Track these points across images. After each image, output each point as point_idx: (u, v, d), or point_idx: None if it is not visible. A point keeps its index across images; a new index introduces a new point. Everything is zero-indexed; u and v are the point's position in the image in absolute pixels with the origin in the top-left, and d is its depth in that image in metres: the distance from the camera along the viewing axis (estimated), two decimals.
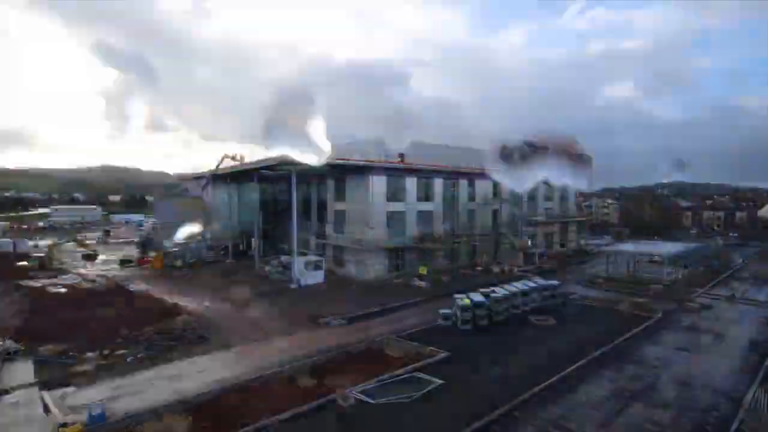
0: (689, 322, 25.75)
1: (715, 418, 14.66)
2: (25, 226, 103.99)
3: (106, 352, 20.44)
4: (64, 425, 13.43)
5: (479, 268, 43.95)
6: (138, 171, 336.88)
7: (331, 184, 44.64)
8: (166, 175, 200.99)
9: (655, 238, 65.80)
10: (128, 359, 19.80)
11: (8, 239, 61.57)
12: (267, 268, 40.91)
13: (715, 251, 51.59)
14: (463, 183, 47.91)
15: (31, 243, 63.00)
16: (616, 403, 15.72)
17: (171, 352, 20.52)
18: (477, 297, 24.37)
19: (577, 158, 54.76)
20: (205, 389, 16.32)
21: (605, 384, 17.23)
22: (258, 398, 15.59)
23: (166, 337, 22.34)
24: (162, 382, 17.29)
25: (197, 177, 60.87)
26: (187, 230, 49.46)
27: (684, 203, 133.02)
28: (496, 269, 43.75)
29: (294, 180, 38.44)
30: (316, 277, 37.27)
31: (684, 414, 15.00)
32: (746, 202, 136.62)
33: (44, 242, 64.59)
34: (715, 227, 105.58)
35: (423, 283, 35.82)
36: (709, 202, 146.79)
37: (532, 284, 28.91)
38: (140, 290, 34.22)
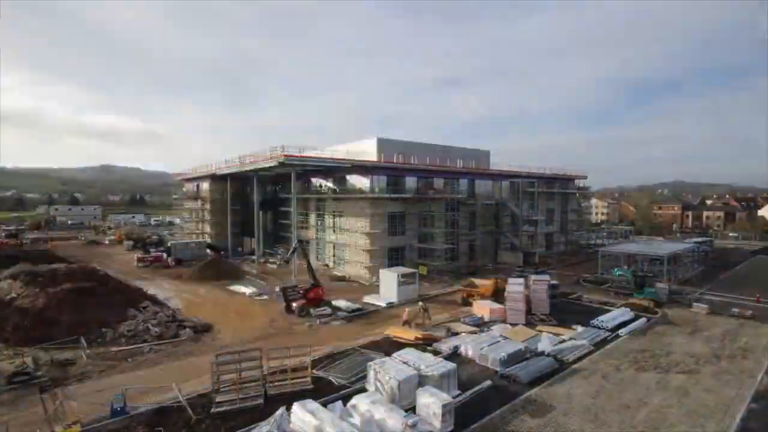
0: None
1: None
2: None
3: (102, 350, 20.46)
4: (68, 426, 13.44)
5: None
6: (138, 171, 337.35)
7: (330, 183, 44.66)
8: (166, 174, 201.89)
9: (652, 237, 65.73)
10: (129, 359, 19.85)
11: None
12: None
13: None
14: (463, 182, 47.93)
15: None
16: None
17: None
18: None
19: None
20: None
21: None
22: None
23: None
24: None
25: (196, 177, 61.03)
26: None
27: (684, 203, 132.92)
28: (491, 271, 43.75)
29: (294, 180, 38.55)
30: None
31: None
32: (746, 202, 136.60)
33: None
34: (716, 227, 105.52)
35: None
36: (709, 202, 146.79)
37: None
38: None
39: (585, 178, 65.74)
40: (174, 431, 13.89)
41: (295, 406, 13.57)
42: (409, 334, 22.26)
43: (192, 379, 17.42)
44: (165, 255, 48.05)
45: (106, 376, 18.18)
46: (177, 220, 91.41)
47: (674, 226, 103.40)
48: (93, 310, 24.17)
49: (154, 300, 28.93)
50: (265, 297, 32.19)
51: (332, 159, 39.93)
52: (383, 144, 45.10)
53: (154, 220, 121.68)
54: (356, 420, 13.43)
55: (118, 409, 14.38)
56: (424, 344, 21.19)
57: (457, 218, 45.62)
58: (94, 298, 25.42)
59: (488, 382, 16.99)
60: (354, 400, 14.56)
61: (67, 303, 24.09)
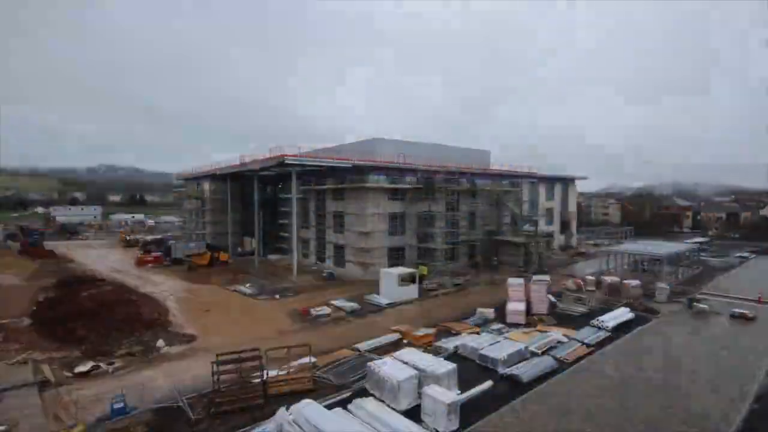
0: None
1: None
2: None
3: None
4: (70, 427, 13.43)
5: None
6: (138, 170, 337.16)
7: (330, 183, 44.59)
8: (166, 174, 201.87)
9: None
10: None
11: None
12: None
13: None
14: (464, 182, 47.81)
15: None
16: None
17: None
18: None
19: None
20: None
21: None
22: None
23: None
24: None
25: (196, 177, 61.03)
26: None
27: (684, 203, 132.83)
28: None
29: (295, 180, 38.52)
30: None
31: None
32: (748, 202, 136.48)
33: None
34: (715, 228, 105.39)
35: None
36: (709, 202, 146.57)
37: None
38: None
39: (585, 178, 65.78)
40: (174, 431, 13.89)
41: (295, 407, 13.55)
42: (412, 334, 22.25)
43: (191, 380, 17.41)
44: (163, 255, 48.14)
45: (106, 376, 18.19)
46: (176, 220, 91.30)
47: (674, 226, 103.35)
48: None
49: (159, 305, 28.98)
50: (265, 296, 32.24)
51: (332, 159, 39.93)
52: (382, 144, 45.07)
53: (155, 221, 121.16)
54: (356, 420, 13.41)
55: (119, 409, 14.37)
56: (425, 344, 21.20)
57: (457, 218, 45.51)
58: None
59: (489, 382, 16.96)
60: (354, 401, 14.55)
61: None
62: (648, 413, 15.07)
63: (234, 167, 47.96)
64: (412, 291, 31.84)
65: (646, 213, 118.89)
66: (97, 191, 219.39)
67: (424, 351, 19.22)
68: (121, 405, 14.43)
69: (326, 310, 27.81)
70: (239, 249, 54.78)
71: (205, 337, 23.35)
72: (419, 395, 14.66)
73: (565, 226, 62.06)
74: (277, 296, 32.52)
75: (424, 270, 38.04)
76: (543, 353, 20.23)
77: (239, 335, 23.43)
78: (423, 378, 15.64)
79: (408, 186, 41.94)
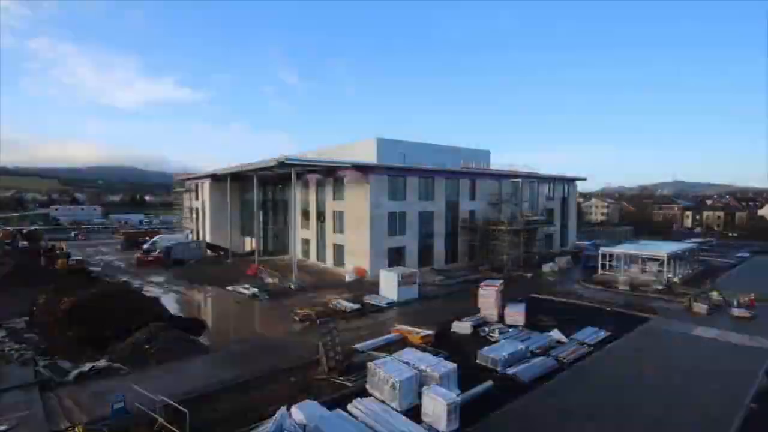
0: None
1: None
2: None
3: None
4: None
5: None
6: (138, 171, 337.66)
7: (330, 183, 44.66)
8: (167, 174, 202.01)
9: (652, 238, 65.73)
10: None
11: None
12: None
13: None
14: (464, 182, 47.83)
15: None
16: None
17: None
18: None
19: None
20: None
21: None
22: None
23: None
24: None
25: (197, 177, 61.10)
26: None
27: (684, 203, 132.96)
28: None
29: (294, 180, 38.53)
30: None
31: None
32: (746, 202, 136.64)
33: None
34: (716, 227, 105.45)
35: None
36: (709, 202, 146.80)
37: None
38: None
39: (584, 179, 65.78)
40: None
41: (295, 407, 13.57)
42: (412, 334, 22.27)
43: (192, 380, 17.44)
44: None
45: (106, 377, 18.21)
46: (175, 220, 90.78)
47: (674, 226, 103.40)
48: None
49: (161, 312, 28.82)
50: (266, 298, 32.21)
51: (332, 160, 39.98)
52: (383, 144, 45.12)
53: (157, 221, 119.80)
54: (357, 421, 13.43)
55: (119, 409, 14.36)
56: (424, 344, 21.24)
57: (457, 218, 45.56)
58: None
59: (489, 383, 16.98)
60: (354, 401, 14.57)
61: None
62: (647, 413, 15.07)
63: (234, 168, 47.99)
64: (412, 291, 31.86)
65: (646, 213, 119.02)
66: (98, 191, 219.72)
67: (424, 351, 19.24)
68: (122, 405, 14.42)
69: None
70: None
71: (208, 337, 23.37)
72: (419, 395, 14.68)
73: (564, 227, 62.01)
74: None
75: (426, 270, 38.09)
76: (543, 354, 20.27)
77: (241, 335, 23.47)
78: (423, 378, 15.67)
79: (408, 186, 41.96)
